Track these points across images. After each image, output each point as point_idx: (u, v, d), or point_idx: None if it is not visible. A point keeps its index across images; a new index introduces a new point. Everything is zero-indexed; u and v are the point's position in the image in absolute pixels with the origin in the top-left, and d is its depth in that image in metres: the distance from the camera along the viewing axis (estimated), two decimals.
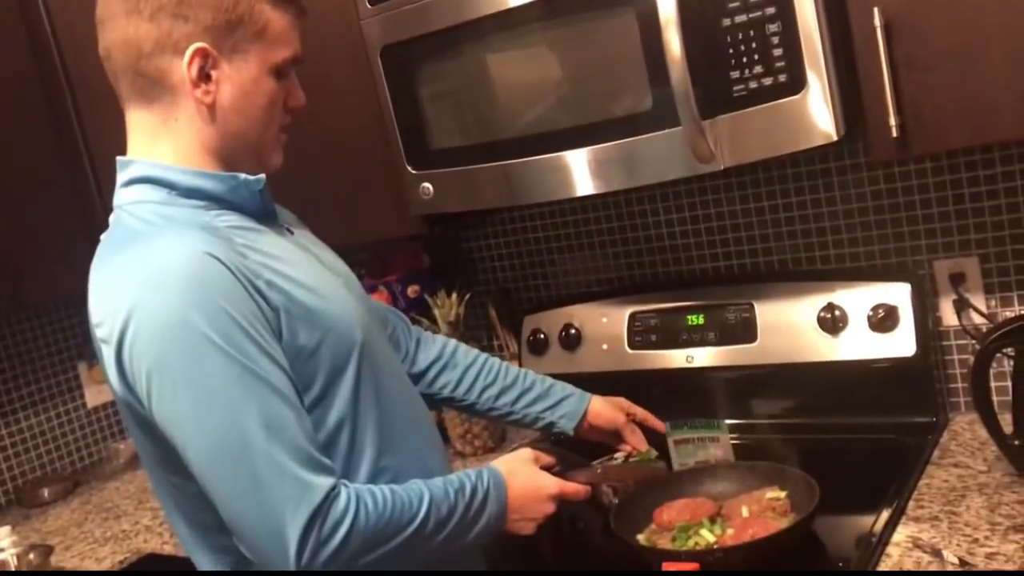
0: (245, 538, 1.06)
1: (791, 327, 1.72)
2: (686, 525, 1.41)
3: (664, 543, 1.39)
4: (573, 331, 1.96)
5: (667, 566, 1.28)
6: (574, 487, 1.28)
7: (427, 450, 1.27)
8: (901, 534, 1.32)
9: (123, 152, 1.21)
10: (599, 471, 1.41)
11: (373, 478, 1.16)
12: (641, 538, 1.44)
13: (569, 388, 1.51)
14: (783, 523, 1.37)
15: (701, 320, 1.82)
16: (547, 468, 1.28)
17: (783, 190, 1.80)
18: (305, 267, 1.17)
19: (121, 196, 1.17)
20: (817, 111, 1.33)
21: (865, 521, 1.39)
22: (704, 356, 1.82)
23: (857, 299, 1.67)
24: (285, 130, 1.22)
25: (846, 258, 1.76)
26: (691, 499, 1.50)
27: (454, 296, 1.98)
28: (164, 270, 1.04)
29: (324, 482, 1.05)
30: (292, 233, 1.25)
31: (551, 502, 1.24)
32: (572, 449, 1.57)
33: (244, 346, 1.03)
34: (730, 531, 1.38)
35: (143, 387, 1.05)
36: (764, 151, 1.39)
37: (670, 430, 1.58)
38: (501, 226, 2.14)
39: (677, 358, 1.84)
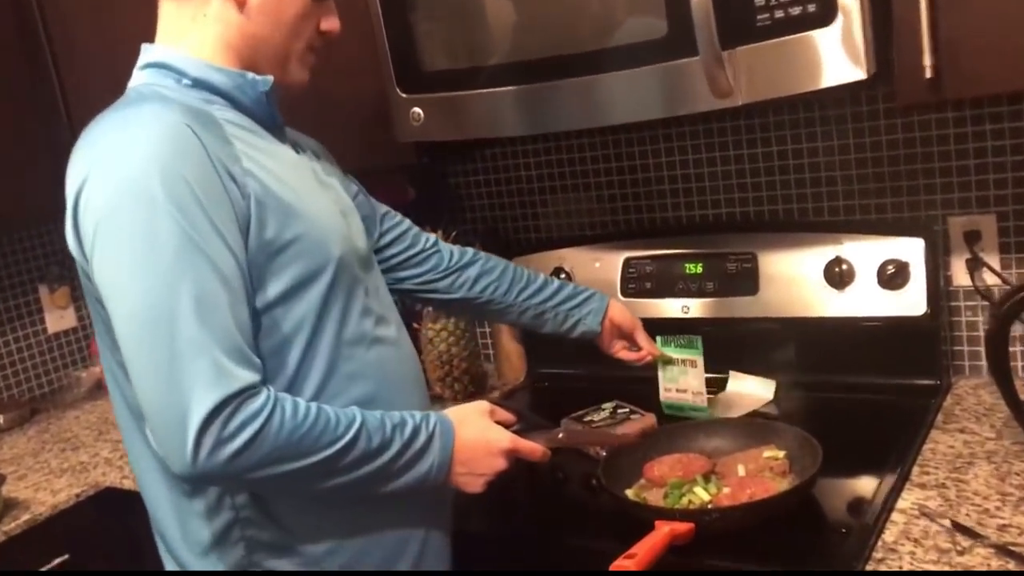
0: (150, 420, 1.02)
1: (795, 280, 1.64)
2: (679, 482, 1.34)
3: (655, 500, 1.32)
4: (563, 275, 1.87)
5: (660, 524, 1.20)
6: (530, 445, 1.20)
7: (399, 393, 1.19)
8: (907, 500, 1.25)
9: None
10: (561, 435, 1.31)
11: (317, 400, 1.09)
12: (630, 493, 1.37)
13: (589, 288, 1.56)
14: (783, 484, 1.30)
15: (699, 269, 1.74)
16: (504, 425, 1.20)
17: (794, 135, 1.71)
18: (297, 175, 1.16)
19: (133, 79, 1.18)
20: (847, 46, 1.23)
21: (867, 485, 1.32)
22: (701, 307, 1.74)
23: (867, 253, 1.59)
24: (314, 51, 1.22)
25: (857, 210, 1.68)
26: (683, 454, 1.43)
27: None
28: (134, 131, 1.03)
29: (245, 375, 1.00)
30: (301, 153, 1.23)
31: (502, 458, 1.16)
32: (542, 407, 1.56)
33: (196, 219, 1.00)
34: (726, 490, 1.31)
35: (89, 242, 1.03)
36: (787, 87, 1.29)
37: (660, 344, 1.59)
38: (492, 161, 2.03)
39: (672, 307, 1.76)
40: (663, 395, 1.63)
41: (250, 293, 1.05)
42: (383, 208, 1.47)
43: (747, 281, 1.69)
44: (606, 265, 1.83)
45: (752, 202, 1.77)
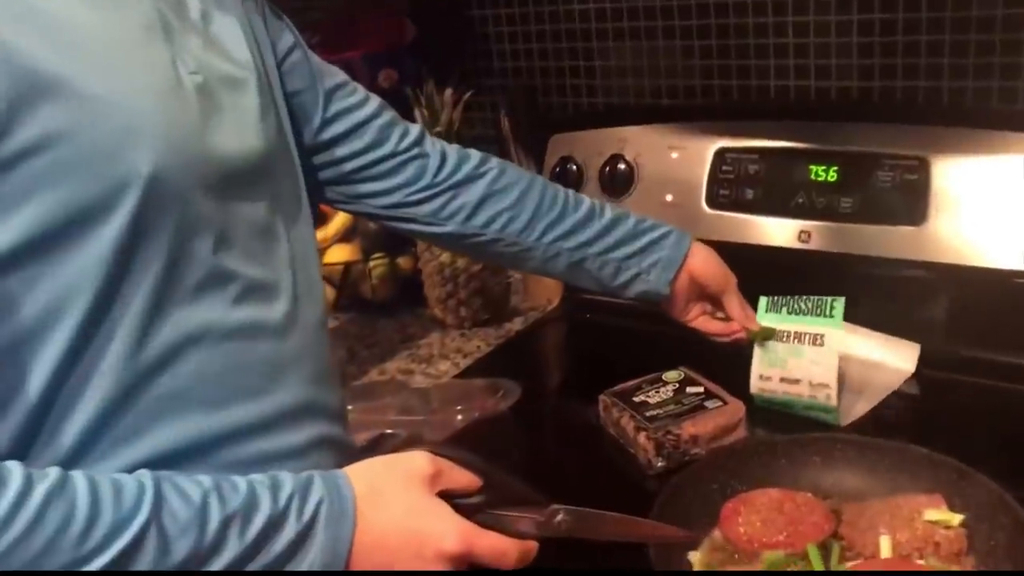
0: None
1: (991, 208, 1.08)
2: (781, 559, 0.82)
3: None
4: (622, 166, 1.34)
5: None
6: (496, 544, 0.66)
7: (276, 424, 0.70)
8: None
9: None
10: (561, 517, 0.70)
11: (82, 458, 0.62)
12: (695, 560, 0.85)
13: (662, 224, 1.08)
14: None
15: (833, 175, 1.18)
16: (458, 496, 0.67)
17: None
18: (98, 10, 0.64)
19: None
20: None
21: None
22: (829, 235, 1.18)
23: None
24: None
25: None
26: (787, 493, 0.91)
27: (448, 93, 1.35)
28: None
29: None
30: None
31: (442, 565, 0.65)
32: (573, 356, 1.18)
33: None
34: None
35: None
36: None
37: (763, 311, 1.09)
38: None
39: (784, 231, 1.22)
40: (756, 385, 1.09)
41: None
42: (334, 78, 0.93)
43: (909, 202, 1.12)
44: (688, 157, 1.28)
45: (927, 72, 1.19)
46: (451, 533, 0.64)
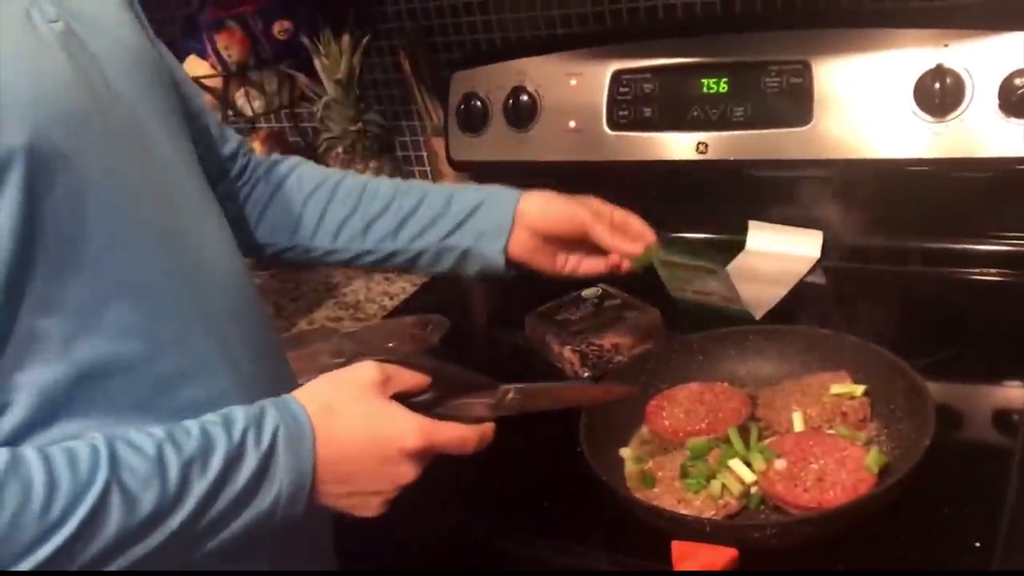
0: None
1: (870, 103, 1.12)
2: (703, 444, 0.88)
3: (667, 480, 0.84)
4: (525, 97, 1.33)
5: (679, 552, 0.73)
6: (453, 434, 0.68)
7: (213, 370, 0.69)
8: None
9: None
10: (512, 395, 0.73)
11: (31, 430, 0.60)
12: (627, 456, 0.91)
13: (484, 189, 0.95)
14: (866, 450, 0.82)
15: (724, 87, 1.20)
16: (409, 395, 0.68)
17: None
18: None
19: None
20: None
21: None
22: (725, 144, 1.20)
23: (984, 60, 1.06)
24: None
25: None
26: (706, 385, 0.97)
27: (346, 39, 1.34)
28: None
29: None
30: None
31: (407, 463, 0.66)
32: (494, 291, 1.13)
33: None
34: (779, 463, 0.83)
35: None
36: None
37: (660, 249, 1.02)
38: None
39: (683, 145, 1.23)
40: (674, 292, 1.13)
41: None
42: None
43: (795, 105, 1.15)
44: (586, 83, 1.28)
45: None
46: (410, 431, 0.65)
